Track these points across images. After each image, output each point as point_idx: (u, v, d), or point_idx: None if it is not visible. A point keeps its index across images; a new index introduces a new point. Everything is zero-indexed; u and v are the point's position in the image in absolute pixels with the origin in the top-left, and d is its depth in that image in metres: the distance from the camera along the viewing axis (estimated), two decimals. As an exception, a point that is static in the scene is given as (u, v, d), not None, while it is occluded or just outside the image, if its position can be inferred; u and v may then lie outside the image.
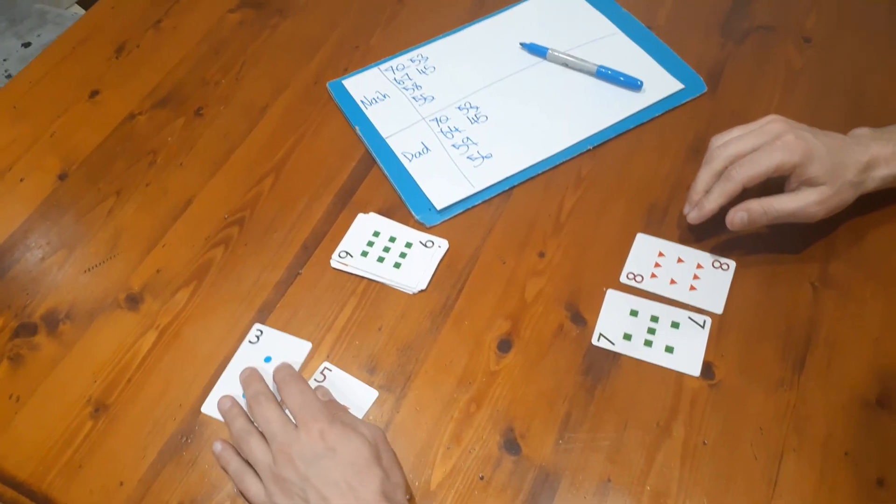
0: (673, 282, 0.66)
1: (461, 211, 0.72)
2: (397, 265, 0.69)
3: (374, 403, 0.62)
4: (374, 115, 0.80)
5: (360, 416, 0.61)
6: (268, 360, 0.64)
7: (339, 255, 0.70)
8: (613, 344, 0.63)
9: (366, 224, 0.72)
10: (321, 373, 0.63)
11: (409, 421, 0.61)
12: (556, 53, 0.83)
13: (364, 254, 0.70)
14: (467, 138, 0.77)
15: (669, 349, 0.62)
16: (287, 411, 0.58)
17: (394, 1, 0.93)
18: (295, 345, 0.65)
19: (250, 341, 0.65)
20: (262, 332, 0.66)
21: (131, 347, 0.66)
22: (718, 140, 0.66)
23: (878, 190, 0.65)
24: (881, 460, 0.56)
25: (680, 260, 0.67)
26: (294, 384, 0.58)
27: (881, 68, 0.80)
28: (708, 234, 0.68)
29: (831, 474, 0.56)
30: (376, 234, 0.71)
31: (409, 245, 0.70)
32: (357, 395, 0.62)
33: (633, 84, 0.79)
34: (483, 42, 0.87)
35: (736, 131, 0.66)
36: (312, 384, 0.63)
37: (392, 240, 0.70)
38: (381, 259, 0.69)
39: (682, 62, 0.82)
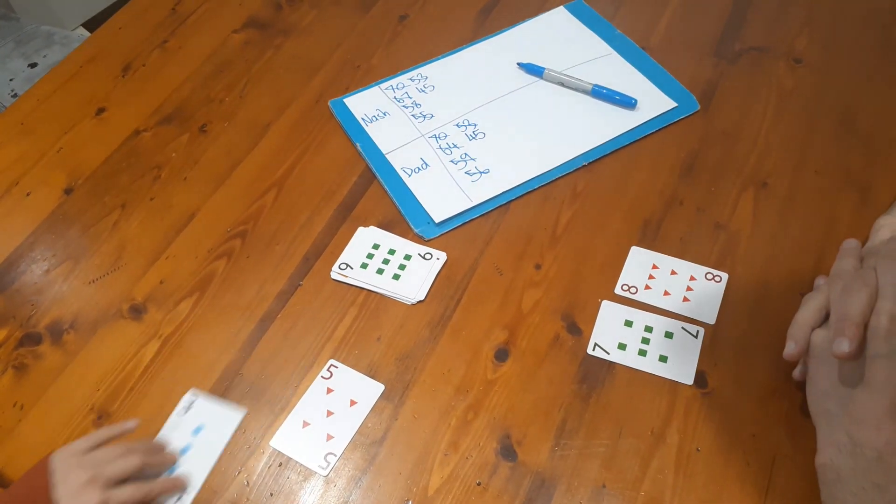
0: (667, 293, 0.67)
1: (459, 224, 0.74)
2: (396, 277, 0.70)
3: (380, 397, 0.63)
4: (374, 131, 0.82)
5: (366, 410, 0.62)
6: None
7: (340, 267, 0.71)
8: (608, 353, 0.64)
9: (366, 237, 0.73)
10: (328, 370, 0.65)
11: (407, 428, 0.61)
12: (552, 73, 0.85)
13: (364, 266, 0.71)
14: (465, 154, 0.79)
15: (663, 358, 0.63)
16: None
17: (395, 23, 0.95)
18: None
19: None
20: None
21: (134, 357, 0.67)
22: (853, 243, 0.62)
23: None
24: (872, 467, 0.57)
25: (673, 272, 0.68)
26: None
27: (872, 88, 0.82)
28: (700, 248, 0.70)
29: (823, 481, 0.56)
30: (376, 246, 0.72)
31: (407, 257, 0.71)
32: (363, 389, 0.63)
33: (627, 102, 0.81)
34: (481, 62, 0.89)
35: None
36: (319, 381, 0.64)
37: (391, 252, 0.72)
38: (380, 271, 0.70)
39: (676, 81, 0.84)
